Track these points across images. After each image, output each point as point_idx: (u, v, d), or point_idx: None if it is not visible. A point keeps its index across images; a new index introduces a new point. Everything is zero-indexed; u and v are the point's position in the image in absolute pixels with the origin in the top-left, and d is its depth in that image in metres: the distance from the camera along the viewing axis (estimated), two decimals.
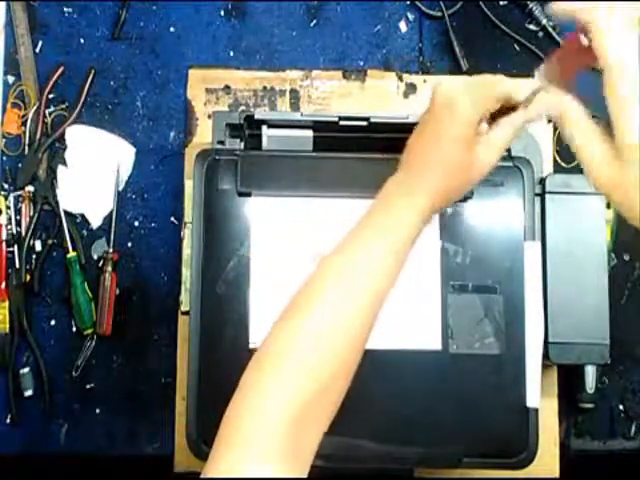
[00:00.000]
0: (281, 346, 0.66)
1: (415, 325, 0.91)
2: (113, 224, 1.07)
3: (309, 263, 0.90)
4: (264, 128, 0.96)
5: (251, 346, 0.90)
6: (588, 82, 1.11)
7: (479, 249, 0.92)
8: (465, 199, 0.92)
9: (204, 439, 0.89)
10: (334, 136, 0.97)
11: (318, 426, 0.65)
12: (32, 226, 1.06)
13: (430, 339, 0.91)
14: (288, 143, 0.96)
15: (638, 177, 0.56)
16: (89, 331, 1.06)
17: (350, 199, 0.92)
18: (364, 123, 0.95)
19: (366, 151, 0.94)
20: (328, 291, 0.67)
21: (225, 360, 0.90)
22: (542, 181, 0.97)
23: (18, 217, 1.07)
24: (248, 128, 0.97)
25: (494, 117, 0.71)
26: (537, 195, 0.96)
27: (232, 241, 0.92)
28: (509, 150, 0.96)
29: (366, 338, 0.67)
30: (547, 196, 0.96)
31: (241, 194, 0.92)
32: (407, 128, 0.96)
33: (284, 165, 0.93)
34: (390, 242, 0.68)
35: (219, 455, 0.61)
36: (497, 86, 0.71)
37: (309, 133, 0.97)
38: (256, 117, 0.95)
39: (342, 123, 0.95)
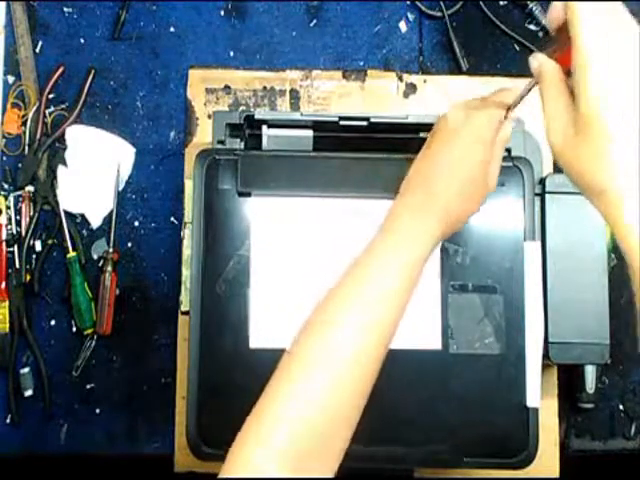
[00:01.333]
0: (310, 357, 0.66)
1: (415, 325, 0.91)
2: (113, 224, 1.07)
3: (310, 264, 0.92)
4: (264, 128, 0.96)
5: (251, 346, 0.90)
6: None
7: (479, 249, 0.92)
8: None
9: (204, 439, 0.89)
10: (334, 136, 0.97)
11: (340, 443, 0.67)
12: (32, 226, 1.06)
13: (430, 339, 0.91)
14: (288, 143, 0.96)
15: (590, 147, 0.56)
16: (89, 331, 1.06)
17: (350, 199, 0.93)
18: (364, 123, 0.96)
19: (366, 151, 0.94)
20: (348, 318, 0.68)
21: (225, 360, 0.90)
22: (542, 181, 0.97)
23: (18, 217, 1.07)
24: (248, 128, 0.97)
25: None
26: (537, 195, 0.96)
27: (232, 241, 0.92)
28: (509, 150, 0.96)
29: (385, 351, 0.70)
30: (547, 196, 0.96)
31: (241, 194, 0.92)
32: (407, 128, 0.97)
33: (284, 165, 0.93)
34: (404, 270, 0.69)
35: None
36: (498, 92, 0.72)
37: (309, 133, 0.97)
38: (256, 117, 0.95)
39: (342, 123, 0.96)
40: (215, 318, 0.90)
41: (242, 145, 0.97)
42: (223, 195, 0.92)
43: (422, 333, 0.91)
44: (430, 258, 0.91)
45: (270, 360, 0.90)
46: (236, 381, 0.90)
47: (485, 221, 0.93)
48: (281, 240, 0.92)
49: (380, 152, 0.94)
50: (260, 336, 0.90)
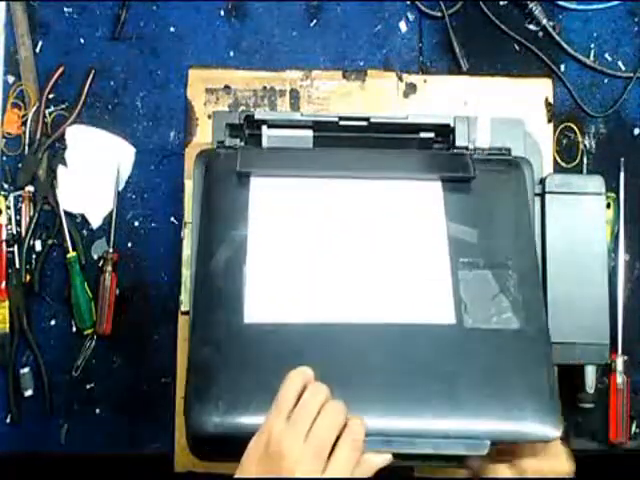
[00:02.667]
0: None
1: (427, 299, 0.86)
2: (113, 224, 1.07)
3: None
4: (264, 128, 0.96)
5: (245, 321, 0.87)
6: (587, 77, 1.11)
7: (486, 230, 0.90)
8: (469, 179, 0.92)
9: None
10: (334, 136, 0.97)
11: None
12: (32, 226, 1.06)
13: (443, 313, 0.85)
14: (288, 143, 0.96)
15: None
16: (89, 331, 1.06)
17: (348, 179, 0.92)
18: (364, 123, 0.96)
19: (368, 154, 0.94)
20: None
21: (221, 332, 0.88)
22: (542, 181, 0.97)
23: (18, 217, 1.07)
24: (248, 128, 0.97)
25: None
26: (537, 195, 0.96)
27: (232, 216, 0.90)
28: (509, 150, 0.96)
29: None
30: (547, 196, 0.96)
31: (240, 174, 0.91)
32: (407, 128, 0.97)
33: (283, 153, 0.94)
34: None
35: None
36: None
37: (309, 133, 0.97)
38: (256, 117, 0.95)
39: (342, 123, 0.95)
40: (212, 292, 0.89)
41: (242, 145, 0.97)
42: (224, 174, 0.92)
43: (435, 307, 0.86)
44: (437, 236, 0.89)
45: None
46: (229, 355, 0.88)
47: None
48: (281, 219, 0.90)
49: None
50: (254, 312, 0.89)
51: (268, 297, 0.86)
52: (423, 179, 0.92)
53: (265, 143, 0.96)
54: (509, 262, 0.88)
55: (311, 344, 0.82)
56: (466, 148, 0.96)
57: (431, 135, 0.98)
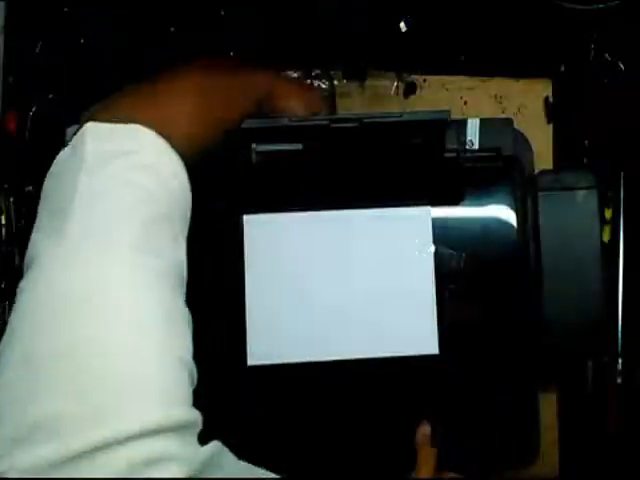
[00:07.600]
0: None
1: (410, 330, 0.91)
2: None
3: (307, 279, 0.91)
4: (253, 145, 0.92)
5: (249, 363, 0.90)
6: None
7: (472, 251, 0.92)
8: (456, 202, 0.92)
9: None
10: (323, 149, 0.94)
11: None
12: (32, 226, 1.06)
13: (426, 343, 0.90)
14: (277, 158, 0.94)
15: None
16: None
17: (344, 210, 0.93)
18: (355, 125, 0.91)
19: (358, 165, 0.93)
20: None
21: (222, 377, 0.89)
22: (533, 179, 0.97)
23: (18, 217, 1.08)
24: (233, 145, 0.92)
25: None
26: (529, 193, 0.96)
27: (226, 257, 0.91)
28: (498, 149, 0.95)
29: None
30: (539, 194, 0.96)
31: (232, 212, 0.92)
32: (401, 130, 0.93)
33: (275, 180, 0.93)
34: None
35: None
36: None
37: (298, 147, 0.94)
38: (243, 126, 0.89)
39: (333, 126, 0.91)
40: (211, 335, 0.89)
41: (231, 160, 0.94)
42: (214, 213, 0.91)
43: (418, 338, 0.91)
44: (423, 262, 0.91)
45: (268, 377, 0.89)
46: (232, 400, 0.89)
47: (478, 223, 0.93)
48: (275, 255, 0.92)
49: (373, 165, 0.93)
50: (257, 353, 0.89)
51: (269, 338, 0.90)
52: (410, 204, 0.93)
53: (254, 158, 0.93)
54: (492, 287, 0.92)
55: (311, 384, 0.90)
56: (456, 151, 0.96)
57: (420, 141, 0.96)
